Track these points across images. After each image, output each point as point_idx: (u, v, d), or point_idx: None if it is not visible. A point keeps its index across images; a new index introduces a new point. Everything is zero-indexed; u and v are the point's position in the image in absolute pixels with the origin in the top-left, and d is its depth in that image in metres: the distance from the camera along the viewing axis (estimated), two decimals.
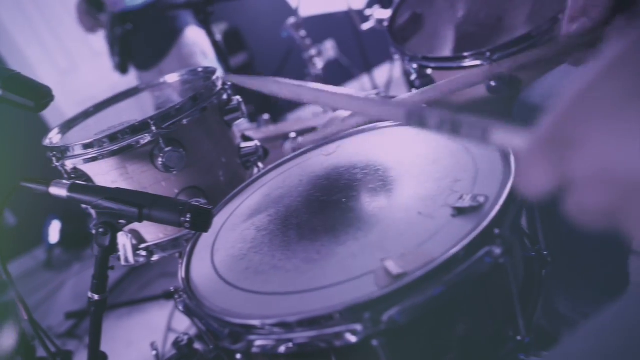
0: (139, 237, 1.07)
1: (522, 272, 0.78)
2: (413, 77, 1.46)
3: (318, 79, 2.19)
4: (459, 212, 0.69)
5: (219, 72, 1.13)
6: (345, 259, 0.68)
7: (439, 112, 0.40)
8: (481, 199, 0.69)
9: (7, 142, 3.33)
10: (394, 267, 0.61)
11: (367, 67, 3.39)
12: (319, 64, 2.20)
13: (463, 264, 0.61)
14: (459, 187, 0.75)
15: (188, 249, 0.87)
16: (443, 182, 0.77)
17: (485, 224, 0.64)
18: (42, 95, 1.03)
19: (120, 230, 0.87)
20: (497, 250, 0.62)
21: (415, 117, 0.41)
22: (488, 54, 1.24)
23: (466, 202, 0.69)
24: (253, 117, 2.00)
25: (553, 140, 0.32)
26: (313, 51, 2.19)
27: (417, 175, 0.82)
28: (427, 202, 0.74)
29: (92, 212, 0.93)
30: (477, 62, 1.26)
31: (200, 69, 1.25)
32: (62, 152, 1.02)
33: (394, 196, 0.79)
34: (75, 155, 1.01)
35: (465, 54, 1.27)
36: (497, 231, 0.63)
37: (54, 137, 1.15)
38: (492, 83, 1.27)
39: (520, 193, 0.65)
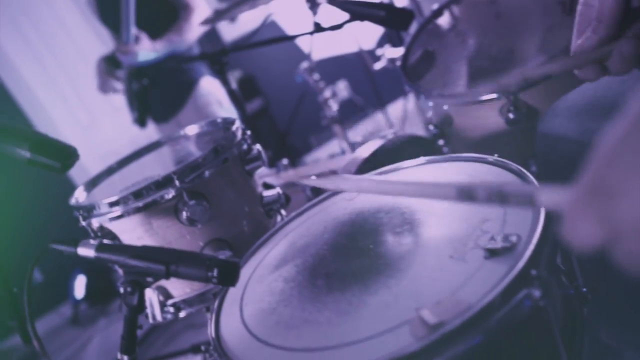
0: (165, 293, 1.06)
1: (562, 312, 0.75)
2: (429, 114, 1.47)
3: (334, 120, 2.21)
4: (492, 253, 0.67)
5: (238, 122, 1.15)
6: (378, 309, 0.66)
7: (486, 186, 0.40)
8: (513, 239, 0.67)
9: (35, 201, 3.40)
10: (430, 316, 0.59)
11: (381, 104, 3.41)
12: (334, 105, 2.22)
13: (501, 309, 0.58)
14: (488, 226, 0.73)
15: (216, 304, 0.86)
16: (471, 222, 0.75)
17: (520, 265, 0.62)
18: (68, 156, 1.06)
19: (148, 287, 0.87)
20: (536, 293, 0.60)
21: (465, 194, 0.43)
22: (498, 80, 1.24)
23: (498, 243, 0.68)
24: (272, 162, 2.01)
25: (595, 191, 0.31)
26: (327, 93, 2.22)
27: (443, 216, 0.80)
28: (457, 244, 0.72)
29: (120, 270, 0.93)
30: (493, 96, 1.26)
31: (219, 120, 1.27)
32: (89, 210, 1.04)
33: (423, 239, 0.77)
34: (101, 214, 1.02)
35: (480, 88, 1.27)
36: (534, 272, 0.61)
37: (79, 196, 1.16)
38: (511, 115, 1.27)
39: (554, 231, 0.63)
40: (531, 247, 0.64)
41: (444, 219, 0.80)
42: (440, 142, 1.51)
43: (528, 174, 0.79)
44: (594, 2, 0.66)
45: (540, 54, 1.35)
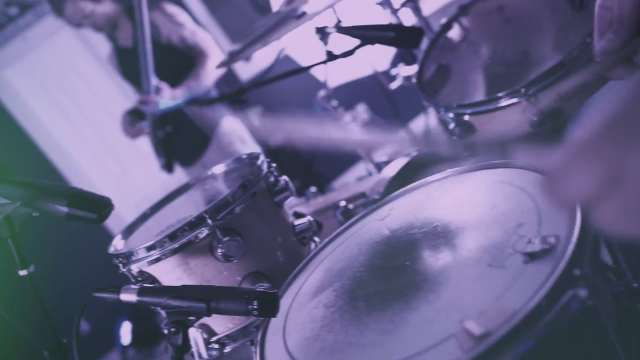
0: (209, 331, 1.07)
1: (614, 311, 0.72)
2: (451, 126, 1.46)
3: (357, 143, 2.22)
4: (531, 257, 0.66)
5: (262, 156, 1.17)
6: (421, 325, 0.65)
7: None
8: (552, 240, 0.66)
9: (74, 253, 3.50)
10: (475, 327, 0.58)
11: (402, 122, 3.42)
12: (355, 129, 2.24)
13: (549, 313, 0.57)
14: (524, 230, 0.72)
15: (259, 336, 0.86)
16: (506, 228, 0.74)
17: (562, 266, 0.60)
18: (103, 206, 1.09)
19: (191, 326, 0.88)
20: (582, 292, 0.58)
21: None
22: (523, 90, 1.23)
23: (537, 246, 0.66)
24: (301, 192, 2.03)
25: (611, 135, 0.31)
26: (347, 118, 2.24)
27: (477, 225, 0.80)
28: (495, 251, 0.71)
29: (162, 312, 0.94)
30: (514, 100, 1.25)
31: (244, 156, 1.29)
32: (127, 257, 1.06)
33: (459, 251, 0.76)
34: (140, 259, 1.04)
35: (500, 94, 1.26)
36: (577, 272, 0.60)
37: (117, 244, 1.19)
38: (534, 118, 1.25)
39: (590, 224, 0.62)
40: (571, 246, 0.62)
41: (479, 228, 0.79)
42: (466, 152, 1.50)
43: None
44: (611, 4, 0.66)
45: (556, 52, 1.34)
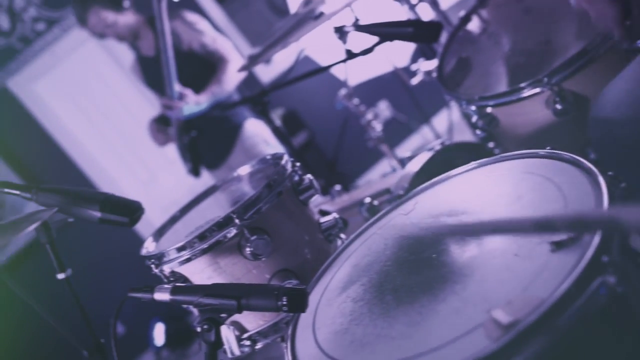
0: (240, 328, 1.09)
1: None
2: (474, 118, 1.45)
3: (379, 140, 2.23)
4: (558, 246, 0.65)
5: (286, 156, 1.19)
6: (449, 316, 0.66)
7: (564, 216, 0.41)
8: None
9: (107, 257, 3.59)
10: (503, 316, 0.59)
11: (425, 118, 3.40)
12: (378, 126, 2.24)
13: (577, 300, 0.57)
14: None
15: (290, 331, 0.88)
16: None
17: (590, 253, 0.60)
18: (134, 210, 1.13)
19: (223, 323, 0.90)
20: (611, 279, 0.58)
21: (543, 227, 0.43)
22: (546, 79, 1.22)
23: (563, 235, 0.66)
24: (325, 190, 2.04)
25: None
26: (369, 115, 2.24)
27: (503, 216, 0.80)
28: (521, 242, 0.71)
29: (194, 310, 0.97)
30: (537, 90, 1.24)
31: (268, 157, 1.31)
32: (159, 258, 1.09)
33: (485, 242, 0.76)
34: (171, 260, 1.07)
35: (522, 84, 1.25)
36: (605, 258, 0.59)
37: (149, 246, 1.23)
38: (558, 106, 1.24)
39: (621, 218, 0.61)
40: (598, 233, 0.62)
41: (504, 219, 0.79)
42: (491, 144, 1.49)
43: (584, 160, 0.77)
44: None
45: (579, 39, 1.32)
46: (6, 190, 1.10)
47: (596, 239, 0.61)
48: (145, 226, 3.53)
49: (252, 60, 1.95)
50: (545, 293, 0.59)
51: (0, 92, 4.01)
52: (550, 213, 0.43)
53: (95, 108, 4.16)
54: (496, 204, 0.84)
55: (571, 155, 0.81)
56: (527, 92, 1.25)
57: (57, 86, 4.10)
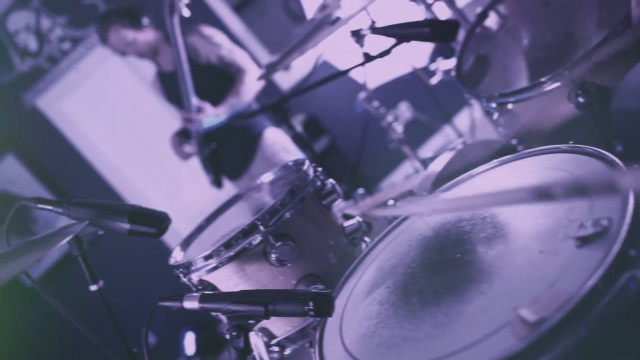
0: (269, 334, 1.10)
1: None
2: (496, 116, 1.44)
3: (401, 142, 2.22)
4: (584, 241, 0.65)
5: (308, 162, 1.20)
6: (475, 315, 0.66)
7: (562, 182, 0.40)
8: (605, 222, 0.65)
9: (138, 266, 3.67)
10: (529, 314, 0.58)
11: (446, 117, 3.38)
12: (399, 128, 2.23)
13: (605, 296, 0.56)
14: (575, 215, 0.71)
15: (317, 336, 0.89)
16: (556, 214, 0.73)
17: (617, 248, 0.59)
18: (161, 221, 1.16)
19: (251, 330, 0.91)
20: None
21: (541, 195, 0.43)
22: (567, 72, 1.20)
23: (589, 230, 0.65)
24: (348, 195, 2.05)
25: None
26: (390, 117, 2.24)
27: (526, 213, 0.79)
28: (546, 238, 0.70)
29: (223, 317, 0.98)
30: (558, 84, 1.22)
31: (290, 163, 1.33)
32: (187, 267, 1.11)
33: (509, 240, 0.76)
34: (199, 268, 1.09)
35: (543, 78, 1.23)
36: (633, 252, 0.58)
37: (177, 255, 1.25)
38: (581, 99, 1.22)
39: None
40: (625, 227, 0.61)
41: (528, 216, 0.78)
42: (513, 141, 1.48)
43: (607, 153, 0.76)
44: None
45: (601, 29, 1.30)
46: (39, 205, 1.14)
47: (623, 233, 0.60)
48: (172, 236, 3.59)
49: (271, 68, 1.97)
50: (572, 290, 0.58)
51: (30, 111, 4.14)
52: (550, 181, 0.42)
53: (121, 122, 4.26)
54: None
55: (594, 148, 0.80)
56: (548, 87, 1.24)
57: (83, 103, 4.22)
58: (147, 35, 2.52)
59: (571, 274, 0.61)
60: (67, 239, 0.97)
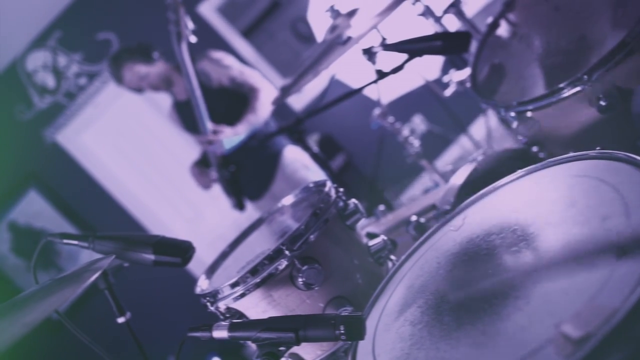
0: (299, 359, 1.09)
1: None
2: (514, 124, 1.42)
3: (418, 156, 2.21)
4: (623, 252, 0.62)
5: (329, 182, 1.19)
6: (515, 334, 0.64)
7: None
8: None
9: (164, 297, 3.67)
10: (572, 330, 0.56)
11: (462, 128, 3.36)
12: (415, 142, 2.23)
13: None
14: (611, 224, 0.69)
15: None
16: (591, 224, 0.71)
17: None
18: (186, 250, 1.16)
19: (282, 356, 0.90)
20: None
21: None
22: (585, 77, 1.18)
23: (627, 239, 0.63)
24: (369, 212, 2.04)
25: None
26: (406, 132, 2.24)
27: (559, 224, 0.77)
28: (582, 249, 0.68)
29: (253, 345, 0.97)
30: (577, 89, 1.20)
31: (311, 185, 1.32)
32: (213, 296, 1.11)
33: (543, 252, 0.74)
34: (226, 296, 1.09)
35: (561, 84, 1.22)
36: None
37: (202, 284, 1.25)
38: (602, 103, 1.20)
39: None
40: None
41: (560, 227, 0.76)
42: (535, 149, 1.45)
43: (639, 158, 0.74)
44: None
45: (617, 29, 1.28)
46: (65, 241, 1.15)
47: None
48: (194, 263, 3.60)
49: (285, 92, 1.98)
50: (615, 302, 0.56)
51: (50, 147, 4.23)
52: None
53: (139, 153, 4.33)
54: (549, 212, 0.81)
55: (625, 153, 0.78)
56: (567, 92, 1.22)
57: (101, 135, 4.30)
58: (158, 68, 2.57)
59: (613, 286, 0.59)
60: (97, 275, 0.97)
